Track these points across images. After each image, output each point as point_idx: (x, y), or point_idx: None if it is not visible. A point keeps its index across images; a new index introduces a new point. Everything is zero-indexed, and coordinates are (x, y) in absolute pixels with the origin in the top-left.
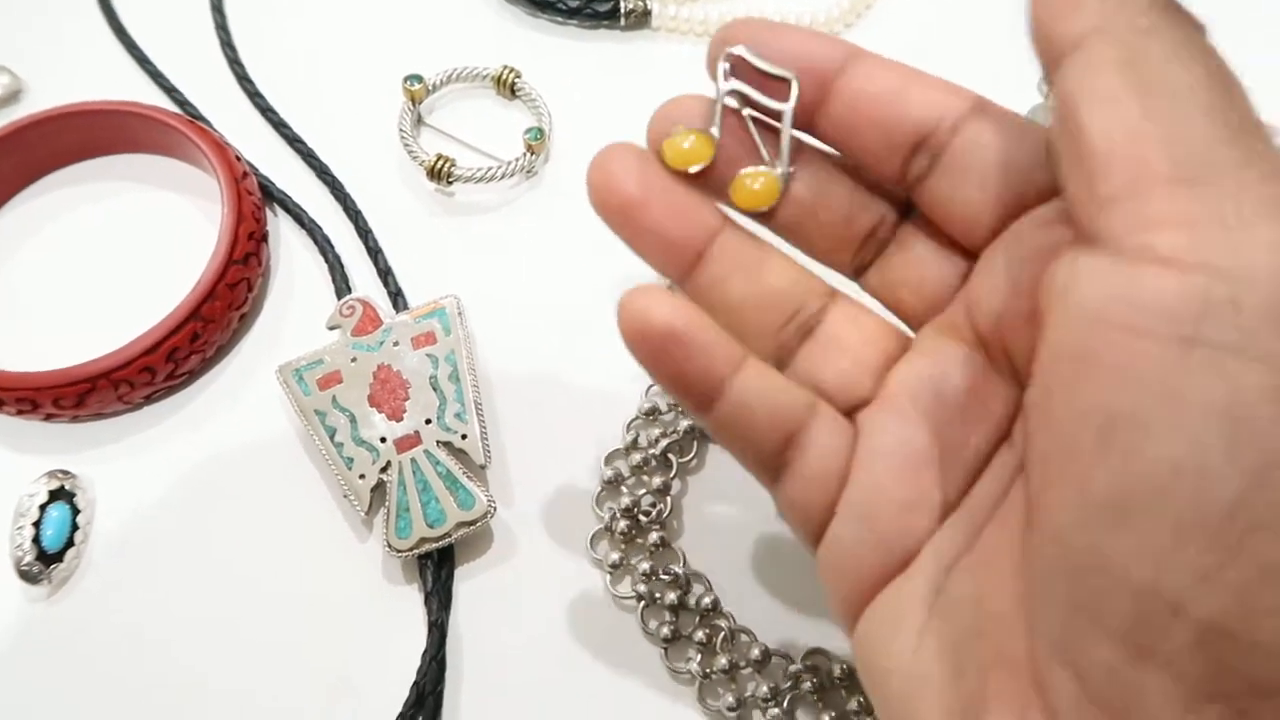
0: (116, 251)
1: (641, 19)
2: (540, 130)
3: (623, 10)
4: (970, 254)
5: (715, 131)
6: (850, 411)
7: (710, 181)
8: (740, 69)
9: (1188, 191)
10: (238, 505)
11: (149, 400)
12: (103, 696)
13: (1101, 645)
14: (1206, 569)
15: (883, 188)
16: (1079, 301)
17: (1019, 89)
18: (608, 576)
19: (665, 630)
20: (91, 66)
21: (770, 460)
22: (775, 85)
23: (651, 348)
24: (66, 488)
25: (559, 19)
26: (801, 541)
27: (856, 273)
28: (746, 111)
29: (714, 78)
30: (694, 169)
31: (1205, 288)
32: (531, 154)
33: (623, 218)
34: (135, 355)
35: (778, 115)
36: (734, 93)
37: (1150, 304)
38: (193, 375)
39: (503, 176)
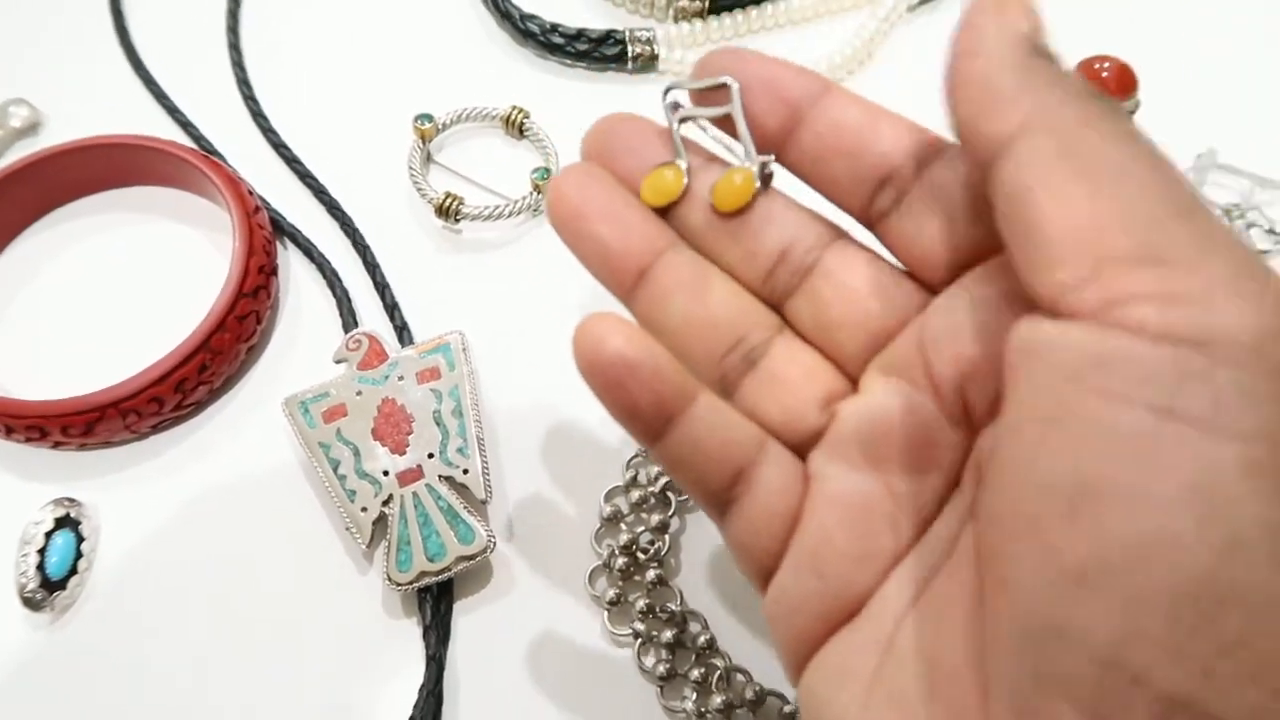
0: (128, 282)
1: (649, 63)
2: (547, 170)
3: (630, 54)
4: (925, 290)
5: (682, 163)
6: (797, 449)
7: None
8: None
9: (1153, 270)
10: (241, 535)
11: (156, 430)
12: None
13: (1063, 712)
14: (1171, 642)
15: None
16: (1052, 362)
17: None
18: (605, 613)
19: (661, 668)
20: (109, 101)
21: (718, 495)
22: (716, 95)
23: (604, 377)
24: (72, 515)
25: (568, 61)
26: (750, 581)
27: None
28: (693, 122)
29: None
30: (678, 196)
31: (1181, 359)
32: (538, 193)
33: (568, 228)
34: (144, 386)
35: (727, 127)
36: (684, 119)
37: (1128, 370)
38: (200, 406)
39: (509, 215)
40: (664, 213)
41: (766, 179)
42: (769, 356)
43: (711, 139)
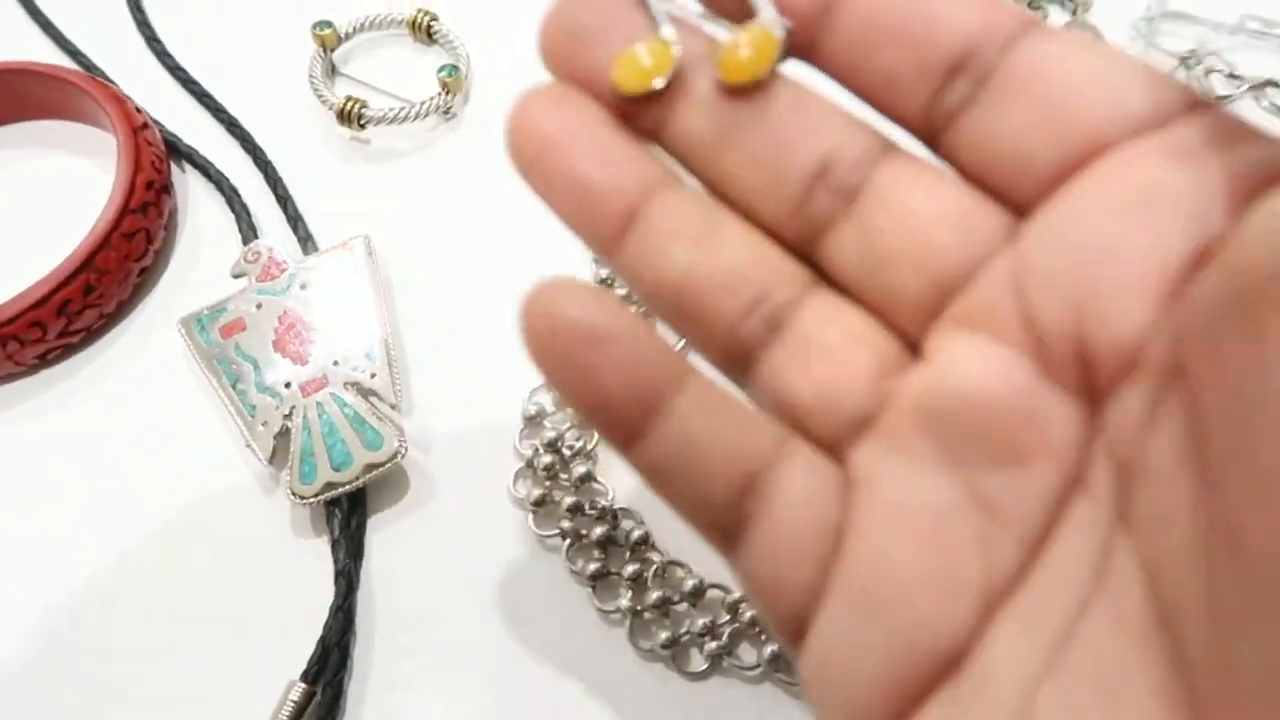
0: (14, 219)
1: None
2: (455, 67)
3: None
4: (1014, 210)
5: (669, 33)
6: (837, 445)
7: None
8: None
9: None
10: (142, 466)
11: (45, 361)
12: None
13: None
14: None
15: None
16: None
17: None
18: (530, 515)
19: (592, 567)
20: None
21: (723, 516)
22: None
23: (564, 355)
24: None
25: None
26: (777, 639)
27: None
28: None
29: None
30: (658, 84)
31: None
32: (447, 93)
33: (536, 165)
34: (22, 309)
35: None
36: None
37: None
38: (92, 333)
39: (417, 117)
40: (649, 115)
41: (785, 51)
42: (799, 318)
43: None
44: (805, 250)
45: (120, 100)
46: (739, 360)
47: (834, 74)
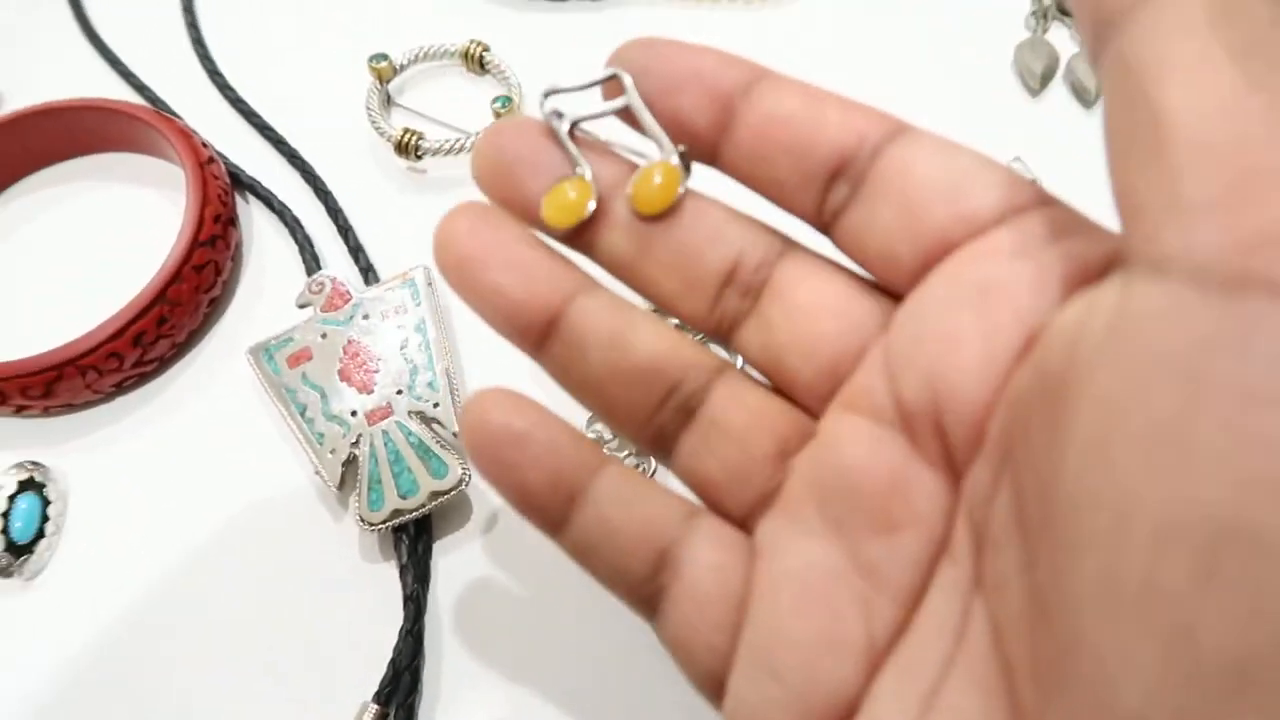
0: (87, 249)
1: None
2: (508, 98)
3: None
4: (892, 299)
5: (585, 172)
6: (748, 518)
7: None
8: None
9: None
10: (213, 491)
11: (121, 389)
12: (76, 687)
13: None
14: None
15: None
16: (1148, 350)
17: (1001, 29)
18: None
19: None
20: (63, 69)
21: (642, 588)
22: (615, 90)
23: (491, 456)
24: (36, 479)
25: None
26: (705, 699)
27: (727, 330)
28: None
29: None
30: (590, 210)
31: None
32: None
33: (458, 277)
34: (101, 341)
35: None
36: (576, 123)
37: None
38: (164, 362)
39: (471, 148)
40: (578, 239)
41: (687, 169)
42: (709, 403)
43: (623, 150)
44: (725, 342)
45: (187, 135)
46: (661, 444)
47: (738, 178)
